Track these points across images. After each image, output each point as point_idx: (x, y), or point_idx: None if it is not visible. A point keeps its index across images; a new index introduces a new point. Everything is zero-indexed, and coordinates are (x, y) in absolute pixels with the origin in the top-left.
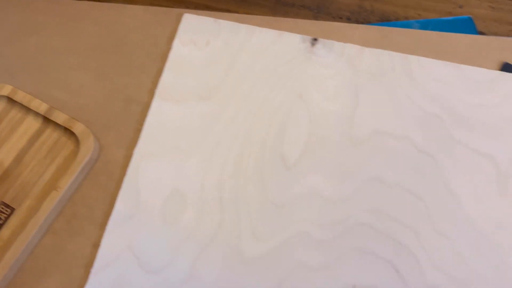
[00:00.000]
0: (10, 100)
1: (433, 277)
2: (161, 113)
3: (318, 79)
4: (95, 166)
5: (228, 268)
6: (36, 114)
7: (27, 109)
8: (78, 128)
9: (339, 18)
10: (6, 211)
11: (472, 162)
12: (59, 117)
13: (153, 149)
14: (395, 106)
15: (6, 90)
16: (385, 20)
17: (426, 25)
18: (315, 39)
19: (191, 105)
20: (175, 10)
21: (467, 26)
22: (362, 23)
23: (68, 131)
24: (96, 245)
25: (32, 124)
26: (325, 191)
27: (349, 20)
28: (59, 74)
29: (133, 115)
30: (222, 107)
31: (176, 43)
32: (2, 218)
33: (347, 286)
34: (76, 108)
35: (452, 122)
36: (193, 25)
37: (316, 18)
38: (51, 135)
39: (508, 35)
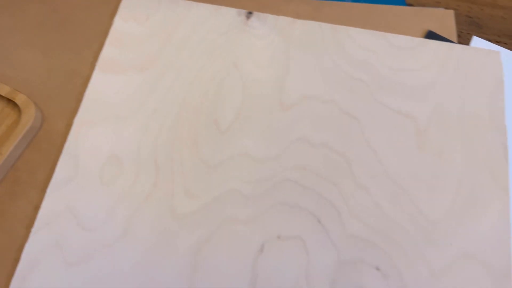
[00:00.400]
0: None
1: (352, 226)
2: (101, 84)
3: (252, 49)
4: (38, 135)
5: (161, 224)
6: None
7: None
8: (20, 98)
9: None
10: None
11: (393, 121)
12: (2, 89)
13: (93, 117)
14: (323, 73)
15: None
16: None
17: None
18: (250, 13)
19: (130, 76)
20: None
21: None
22: None
23: (11, 102)
24: (37, 208)
25: None
26: (255, 152)
27: None
28: (4, 51)
29: (76, 88)
30: (159, 77)
31: (117, 19)
32: None
33: (272, 236)
34: (20, 82)
35: (376, 86)
36: (134, 2)
37: None
38: None
39: (435, 5)
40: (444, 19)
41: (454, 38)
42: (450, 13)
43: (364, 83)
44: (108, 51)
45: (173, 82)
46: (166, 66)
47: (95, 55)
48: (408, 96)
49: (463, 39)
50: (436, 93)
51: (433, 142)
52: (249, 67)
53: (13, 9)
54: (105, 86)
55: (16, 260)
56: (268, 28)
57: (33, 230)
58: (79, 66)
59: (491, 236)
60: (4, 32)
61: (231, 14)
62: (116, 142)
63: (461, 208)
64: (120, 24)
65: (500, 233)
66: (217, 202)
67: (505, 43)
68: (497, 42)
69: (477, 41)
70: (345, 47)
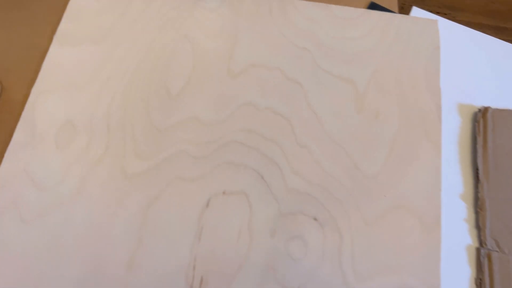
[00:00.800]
0: None
1: (292, 182)
2: (58, 56)
3: (202, 21)
4: None
5: (112, 184)
6: None
7: None
8: None
9: None
10: None
11: (334, 86)
12: None
13: (49, 87)
14: (269, 43)
15: None
16: None
17: None
18: None
19: (85, 48)
20: None
21: None
22: None
23: None
24: None
25: None
26: (204, 116)
27: None
28: None
29: (34, 60)
30: (113, 48)
31: None
32: None
33: (218, 192)
34: None
35: (319, 54)
36: None
37: None
38: None
39: None
40: None
41: (396, 9)
42: None
43: (308, 51)
44: (65, 25)
45: (126, 53)
46: (120, 38)
47: (53, 29)
48: (349, 63)
49: (406, 11)
50: (376, 60)
51: (371, 104)
52: (199, 38)
53: None
54: (62, 57)
55: None
56: (219, 1)
57: None
58: (38, 40)
59: (423, 189)
60: None
61: None
62: (70, 109)
63: (395, 164)
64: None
65: (431, 186)
66: (167, 162)
67: (445, 14)
68: (437, 13)
69: (416, 11)
70: (291, 18)
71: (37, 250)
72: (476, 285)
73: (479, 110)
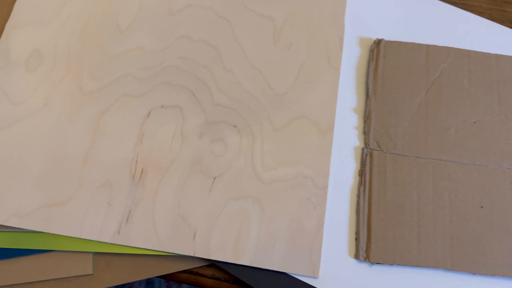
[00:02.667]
0: None
1: (218, 98)
2: None
3: None
4: None
5: (72, 99)
6: None
7: None
8: None
9: None
10: None
11: (256, 22)
12: None
13: (20, 22)
14: None
15: None
16: None
17: None
18: None
19: None
20: None
21: None
22: None
23: None
24: None
25: None
26: (147, 47)
27: None
28: None
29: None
30: None
31: None
32: None
33: (157, 105)
34: None
35: None
36: None
37: None
38: None
39: None
40: None
41: None
42: None
43: None
44: None
45: None
46: None
47: None
48: (271, 2)
49: None
50: (293, 0)
51: (286, 37)
52: None
53: None
54: None
55: None
56: None
57: None
58: None
59: (321, 103)
60: None
61: None
62: (38, 40)
63: (301, 85)
64: None
65: (328, 101)
66: (116, 83)
67: None
68: None
69: None
70: None
71: (9, 150)
72: (359, 175)
73: (374, 41)
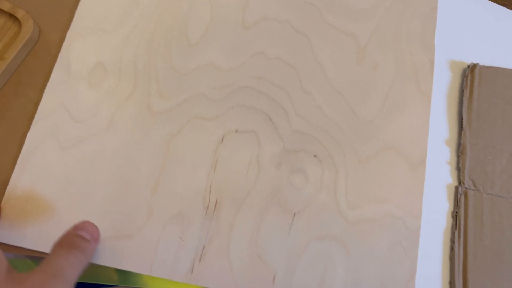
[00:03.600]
0: None
1: (297, 123)
2: (89, 2)
3: None
4: (36, 46)
5: (139, 119)
6: None
7: None
8: (20, 13)
9: None
10: None
11: (337, 39)
12: (4, 5)
13: (82, 31)
14: None
15: None
16: None
17: None
18: None
19: None
20: None
21: None
22: None
23: (12, 17)
24: (36, 104)
25: None
26: (219, 64)
27: None
28: None
29: (68, 6)
30: None
31: None
32: None
33: (231, 130)
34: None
35: (325, 9)
36: None
37: None
38: None
39: None
40: None
41: None
42: None
43: (315, 6)
44: None
45: (151, 2)
46: None
47: None
48: (353, 18)
49: None
50: (378, 17)
51: (371, 57)
52: None
53: None
54: (93, 4)
55: (20, 144)
56: None
57: (34, 122)
58: None
59: (411, 133)
60: None
61: None
62: (101, 52)
63: (389, 111)
64: None
65: (419, 131)
66: (186, 103)
67: None
68: None
69: None
70: None
71: (73, 174)
72: (452, 217)
73: (468, 66)
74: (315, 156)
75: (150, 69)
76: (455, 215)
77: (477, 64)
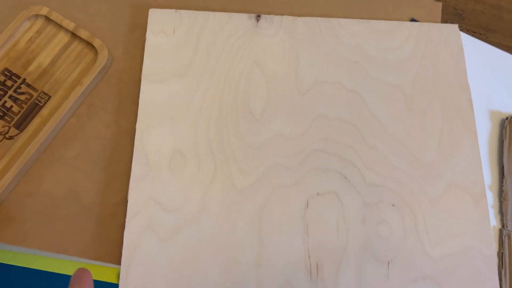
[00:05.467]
0: (47, 19)
1: (370, 177)
2: (150, 92)
3: (266, 47)
4: (108, 72)
5: (227, 198)
6: (66, 30)
7: (60, 26)
8: (96, 42)
9: None
10: (45, 97)
11: (386, 92)
12: (83, 34)
13: (150, 122)
14: (326, 60)
15: (44, 10)
16: None
17: None
18: (259, 16)
19: (172, 83)
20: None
21: None
22: None
23: (89, 45)
24: (107, 126)
25: (63, 37)
26: (286, 132)
27: None
28: (83, 2)
29: (136, 37)
30: (197, 81)
31: (149, 33)
32: (42, 102)
33: (313, 194)
34: (94, 28)
35: (368, 65)
36: (159, 16)
37: None
38: (76, 46)
39: None
40: (432, 10)
41: None
42: (438, 5)
43: (359, 64)
44: (148, 64)
45: (209, 84)
46: (199, 71)
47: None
48: (394, 70)
49: None
50: (415, 65)
51: (418, 104)
52: (267, 63)
53: None
54: (154, 94)
55: (92, 161)
56: (276, 28)
57: (127, 219)
58: (139, 19)
59: (469, 169)
60: None
61: (243, 19)
62: (175, 139)
63: (445, 151)
64: (152, 37)
65: (475, 166)
66: (266, 175)
67: (480, 34)
68: (474, 32)
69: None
70: (339, 35)
71: (177, 263)
72: (499, 257)
73: (507, 118)
74: (393, 205)
75: (225, 148)
76: (501, 255)
77: None
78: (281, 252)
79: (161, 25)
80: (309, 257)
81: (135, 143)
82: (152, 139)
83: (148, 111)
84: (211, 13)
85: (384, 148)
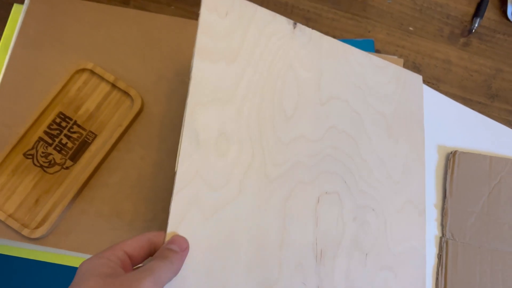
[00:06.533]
0: (92, 72)
1: (361, 184)
2: (201, 70)
3: (299, 54)
4: (141, 115)
5: (261, 186)
6: (107, 81)
7: (102, 78)
8: (132, 92)
9: None
10: (92, 135)
11: (376, 117)
12: (121, 85)
13: (201, 98)
14: (340, 80)
15: (90, 65)
16: None
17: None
18: (295, 23)
19: (222, 65)
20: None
21: (369, 45)
22: None
23: (126, 93)
24: (142, 158)
25: (104, 87)
26: (308, 135)
27: None
28: (119, 57)
29: (162, 87)
30: (243, 69)
31: (203, 10)
32: (90, 139)
33: (323, 192)
34: (129, 79)
35: (367, 92)
36: None
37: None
38: (116, 95)
39: (394, 54)
40: (396, 64)
41: None
42: (400, 60)
43: (361, 89)
44: (201, 41)
45: (253, 75)
46: (246, 60)
47: (175, 64)
48: (382, 100)
49: None
50: (394, 100)
51: (394, 132)
52: (299, 69)
53: (124, 27)
54: (205, 72)
55: (130, 187)
56: (307, 38)
57: (174, 192)
58: (165, 72)
59: (417, 189)
60: (117, 44)
61: (283, 22)
62: (222, 122)
63: (406, 173)
64: (206, 14)
65: (420, 186)
66: (291, 170)
67: (432, 83)
68: (427, 82)
69: None
70: (350, 61)
71: (216, 240)
72: (438, 258)
73: (451, 152)
74: (373, 209)
75: (262, 139)
76: (440, 256)
77: (457, 150)
78: (297, 238)
79: (215, 4)
80: (316, 244)
81: (185, 118)
82: (203, 117)
83: (199, 89)
84: (258, 6)
85: (372, 163)
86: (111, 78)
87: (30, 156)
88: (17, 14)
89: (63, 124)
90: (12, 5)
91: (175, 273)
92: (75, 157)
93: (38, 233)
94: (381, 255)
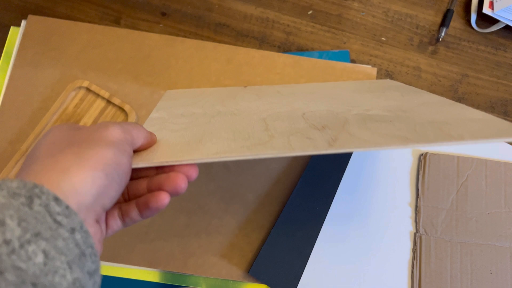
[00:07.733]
0: (88, 89)
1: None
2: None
3: None
4: None
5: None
6: (103, 98)
7: (97, 95)
8: (126, 107)
9: (273, 46)
10: None
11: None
12: (116, 100)
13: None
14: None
15: (86, 83)
16: (300, 50)
17: (322, 55)
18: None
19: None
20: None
21: (345, 56)
22: (286, 51)
23: (121, 108)
24: None
25: (100, 103)
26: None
27: (279, 48)
28: (113, 74)
29: (155, 101)
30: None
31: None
32: None
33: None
34: (123, 95)
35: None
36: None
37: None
38: (111, 110)
39: (368, 63)
40: (370, 72)
41: None
42: (374, 69)
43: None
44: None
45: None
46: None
47: (165, 79)
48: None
49: None
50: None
51: None
52: None
53: (117, 46)
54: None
55: None
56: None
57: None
58: (156, 86)
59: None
60: (111, 62)
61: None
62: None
63: None
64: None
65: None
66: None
67: None
68: None
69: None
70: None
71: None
72: (413, 252)
73: (422, 154)
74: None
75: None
76: (414, 250)
77: (428, 152)
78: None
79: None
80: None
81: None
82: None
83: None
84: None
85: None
86: (106, 94)
87: None
88: (15, 36)
89: None
90: (9, 27)
91: (146, 138)
92: None
93: None
94: None
